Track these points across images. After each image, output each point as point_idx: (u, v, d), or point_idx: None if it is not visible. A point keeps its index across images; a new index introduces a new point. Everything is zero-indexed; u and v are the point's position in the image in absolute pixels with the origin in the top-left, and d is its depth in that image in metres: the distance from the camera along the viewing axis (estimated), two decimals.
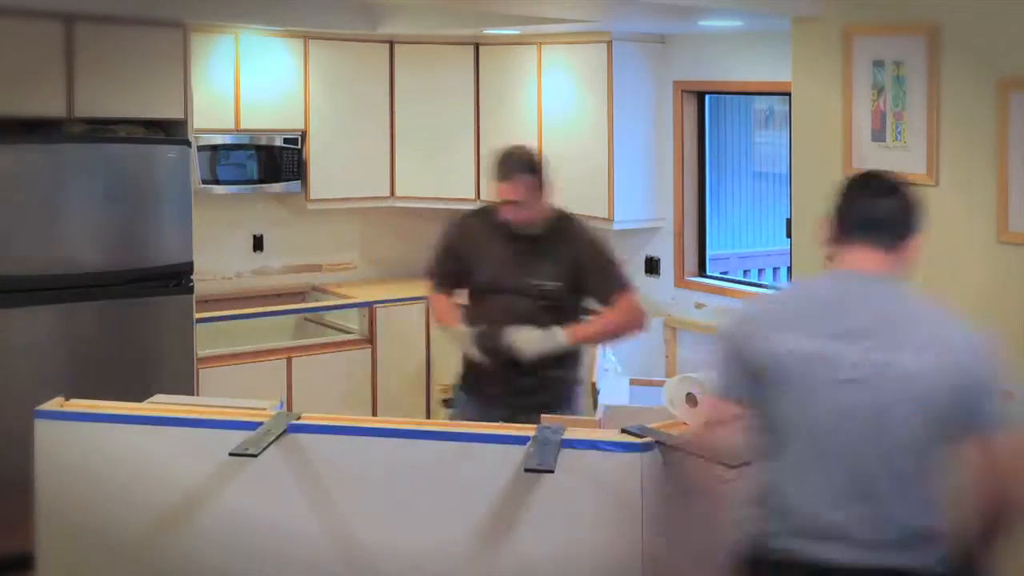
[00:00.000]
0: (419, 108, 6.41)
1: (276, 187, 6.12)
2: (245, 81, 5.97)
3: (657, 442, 3.06)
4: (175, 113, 5.32)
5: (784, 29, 4.46)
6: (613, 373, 4.60)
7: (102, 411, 3.32)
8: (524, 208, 3.91)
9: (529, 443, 3.03)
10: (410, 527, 3.13)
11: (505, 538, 3.06)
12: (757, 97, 5.55)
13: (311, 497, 3.15)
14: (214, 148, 5.87)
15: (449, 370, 6.19)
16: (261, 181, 6.05)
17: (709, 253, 5.88)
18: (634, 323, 4.00)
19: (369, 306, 6.15)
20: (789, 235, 4.71)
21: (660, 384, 4.46)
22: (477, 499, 3.08)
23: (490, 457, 3.09)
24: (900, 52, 3.99)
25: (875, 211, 2.48)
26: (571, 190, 5.89)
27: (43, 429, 3.31)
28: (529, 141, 6.10)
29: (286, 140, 6.09)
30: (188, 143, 5.28)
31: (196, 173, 5.62)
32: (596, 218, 5.80)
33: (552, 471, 2.89)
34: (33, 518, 3.33)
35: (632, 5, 4.66)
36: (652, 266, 5.97)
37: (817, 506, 2.41)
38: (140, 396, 3.65)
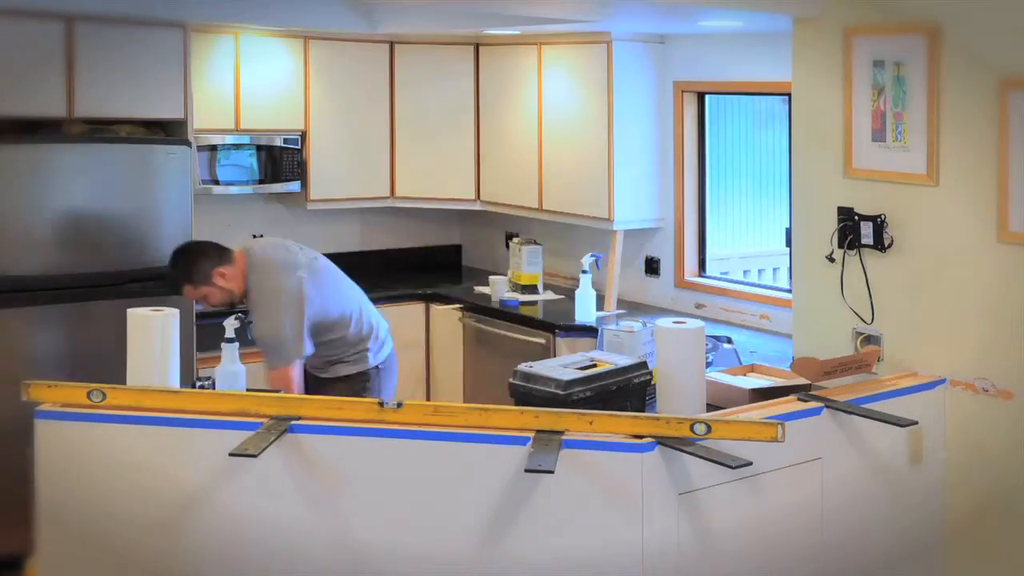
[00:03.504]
0: (419, 108, 6.41)
1: (276, 187, 6.12)
2: (245, 81, 5.97)
3: (657, 442, 3.06)
4: (175, 113, 5.32)
5: (784, 29, 4.46)
6: None
7: (102, 411, 3.32)
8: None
9: (529, 443, 3.03)
10: (410, 527, 3.13)
11: (505, 538, 3.06)
12: (757, 97, 5.55)
13: (311, 497, 3.15)
14: (214, 148, 5.87)
15: (449, 368, 6.21)
16: (261, 181, 6.05)
17: (709, 254, 5.88)
18: None
19: None
20: (789, 244, 4.70)
21: None
22: (477, 499, 3.08)
23: (490, 457, 3.09)
24: (900, 52, 3.99)
25: None
26: (571, 191, 5.92)
27: (43, 429, 3.31)
28: (528, 143, 6.12)
29: (286, 140, 6.09)
30: (188, 143, 5.29)
31: (196, 173, 5.63)
32: (596, 218, 5.80)
33: (552, 471, 2.89)
34: (33, 518, 3.33)
35: (632, 4, 4.65)
36: (652, 266, 5.97)
37: None
38: None
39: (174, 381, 3.71)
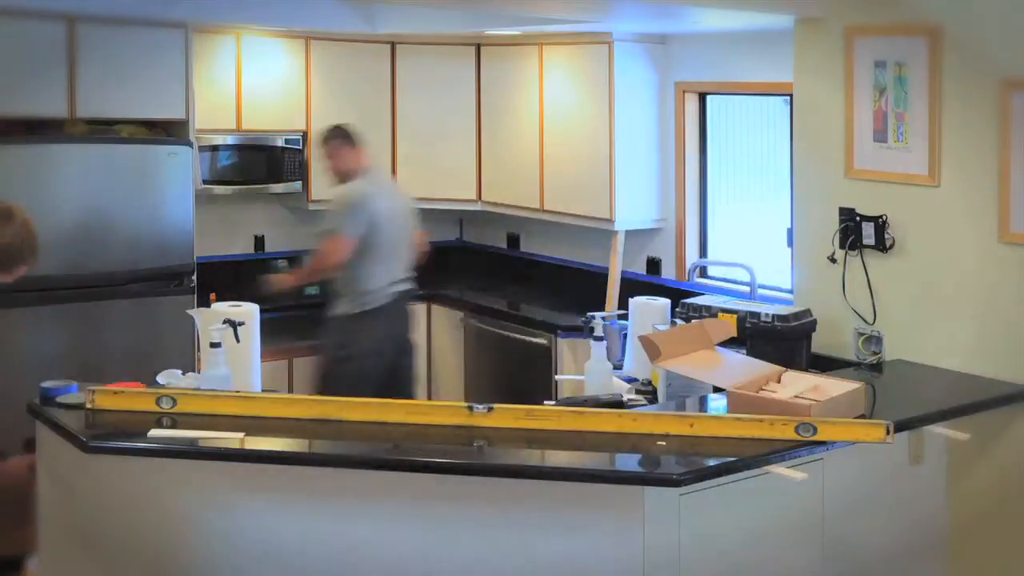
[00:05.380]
0: (420, 109, 6.41)
1: (277, 187, 6.12)
2: (246, 81, 5.97)
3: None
4: (177, 113, 5.33)
5: (786, 29, 4.46)
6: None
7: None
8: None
9: None
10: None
11: (506, 537, 3.07)
12: (759, 98, 5.55)
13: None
14: (215, 148, 5.87)
15: (450, 369, 6.21)
16: (262, 181, 6.05)
17: (710, 254, 5.87)
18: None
19: None
20: (790, 244, 4.71)
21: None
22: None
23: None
24: (902, 53, 3.99)
25: None
26: (572, 191, 5.91)
27: (44, 429, 3.31)
28: (529, 143, 6.12)
29: (287, 140, 6.09)
30: (189, 143, 5.29)
31: (197, 173, 5.62)
32: (597, 219, 5.79)
33: None
34: (33, 518, 3.33)
35: (633, 3, 4.65)
36: (653, 267, 5.96)
37: None
38: None
39: (256, 378, 3.75)
